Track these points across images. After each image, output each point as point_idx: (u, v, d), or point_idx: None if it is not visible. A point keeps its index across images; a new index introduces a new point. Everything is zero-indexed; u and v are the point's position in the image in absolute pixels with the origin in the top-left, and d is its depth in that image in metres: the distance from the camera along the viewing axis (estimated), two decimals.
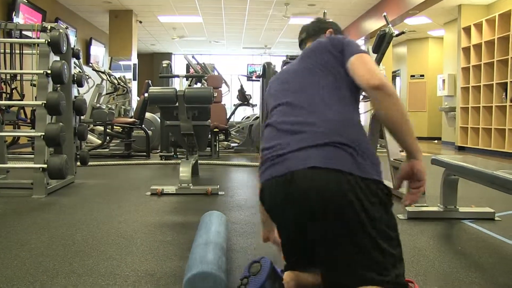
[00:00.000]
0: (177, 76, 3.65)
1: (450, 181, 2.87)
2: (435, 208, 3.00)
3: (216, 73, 8.93)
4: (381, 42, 3.93)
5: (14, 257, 2.14)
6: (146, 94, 5.54)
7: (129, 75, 11.44)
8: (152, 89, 3.61)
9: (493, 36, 8.13)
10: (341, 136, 1.23)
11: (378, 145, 5.38)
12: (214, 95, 3.70)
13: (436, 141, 11.58)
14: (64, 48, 3.89)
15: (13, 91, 4.13)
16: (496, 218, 2.95)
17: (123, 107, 10.16)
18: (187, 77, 4.21)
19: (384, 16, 3.99)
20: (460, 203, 3.00)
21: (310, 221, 1.24)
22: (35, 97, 3.88)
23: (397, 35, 3.88)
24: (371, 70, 1.30)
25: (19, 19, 8.42)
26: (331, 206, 1.19)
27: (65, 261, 2.08)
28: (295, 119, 1.32)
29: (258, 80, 8.62)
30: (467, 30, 9.06)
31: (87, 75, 8.13)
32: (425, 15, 9.97)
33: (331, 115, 1.29)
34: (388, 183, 3.92)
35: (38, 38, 3.82)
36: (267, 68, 6.50)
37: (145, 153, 6.86)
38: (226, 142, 8.04)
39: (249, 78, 12.51)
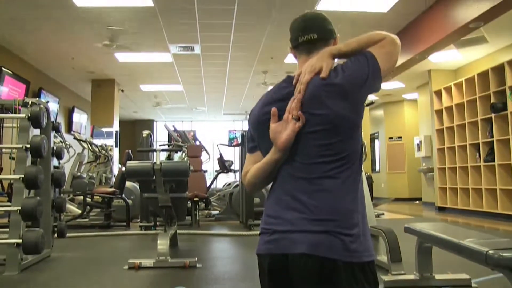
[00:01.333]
0: (155, 150, 3.72)
1: (424, 248, 2.91)
2: (411, 276, 3.02)
3: (197, 142, 9.04)
4: None
5: None
6: (123, 168, 5.58)
7: (111, 141, 11.50)
8: (130, 163, 3.66)
9: (462, 99, 8.48)
10: (336, 222, 1.27)
11: None
12: (191, 168, 3.75)
13: (417, 202, 11.68)
14: (44, 122, 3.95)
15: None
16: (472, 285, 2.97)
17: (104, 175, 10.13)
18: (164, 151, 4.27)
19: None
20: (436, 269, 3.02)
21: None
22: (13, 171, 3.88)
23: (367, 105, 4.05)
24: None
25: (3, 88, 8.52)
26: None
27: None
28: (295, 194, 1.33)
29: (239, 146, 8.76)
30: (438, 93, 9.44)
31: (69, 144, 8.16)
32: (399, 80, 10.39)
33: (329, 198, 1.30)
34: None
35: (20, 110, 3.89)
36: (246, 137, 6.63)
37: (125, 223, 6.78)
38: (206, 211, 8.00)
39: (230, 145, 12.68)
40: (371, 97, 11.38)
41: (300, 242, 1.27)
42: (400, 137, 13.25)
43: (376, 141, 14.50)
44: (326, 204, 1.29)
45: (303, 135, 1.33)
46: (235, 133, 17.28)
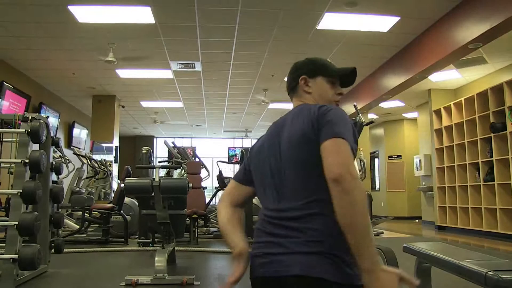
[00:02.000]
0: (153, 167, 3.72)
1: (423, 268, 2.88)
2: None
3: (196, 159, 9.04)
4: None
5: None
6: (122, 185, 5.56)
7: (111, 157, 11.50)
8: (129, 180, 3.66)
9: (462, 119, 8.50)
10: (328, 244, 1.26)
11: None
12: (190, 185, 3.74)
13: (416, 221, 11.63)
14: (44, 137, 3.95)
15: None
16: None
17: (103, 190, 10.11)
18: (163, 167, 4.27)
19: (354, 106, 4.18)
20: None
21: None
22: (11, 185, 3.86)
23: (367, 124, 4.05)
24: (338, 159, 1.21)
25: (4, 103, 8.54)
26: None
27: None
28: (280, 221, 1.35)
29: (239, 163, 8.76)
30: (438, 112, 9.47)
31: (68, 159, 8.15)
32: (399, 99, 10.42)
33: (320, 220, 1.29)
34: None
35: (20, 125, 3.89)
36: (245, 154, 6.64)
37: (123, 239, 6.73)
38: (205, 228, 7.95)
39: (229, 162, 12.68)
40: (371, 116, 11.41)
41: (293, 264, 1.26)
42: (400, 156, 13.26)
43: (376, 160, 14.50)
44: (318, 226, 1.28)
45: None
46: (235, 150, 17.29)
